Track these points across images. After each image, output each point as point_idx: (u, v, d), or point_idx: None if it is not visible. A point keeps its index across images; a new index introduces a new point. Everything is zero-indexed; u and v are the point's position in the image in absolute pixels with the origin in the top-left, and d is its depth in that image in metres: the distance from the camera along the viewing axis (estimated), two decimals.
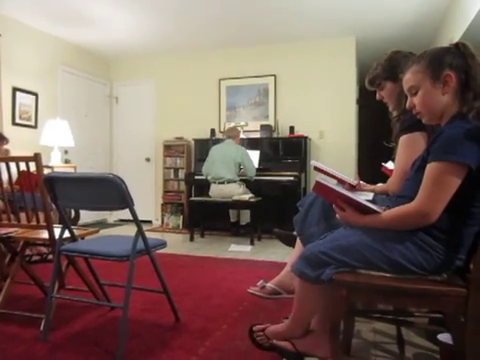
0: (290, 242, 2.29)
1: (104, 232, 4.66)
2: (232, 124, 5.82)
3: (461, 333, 1.24)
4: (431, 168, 1.24)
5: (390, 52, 1.92)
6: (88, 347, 1.86)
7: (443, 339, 1.60)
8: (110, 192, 1.82)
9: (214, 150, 4.90)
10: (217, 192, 4.73)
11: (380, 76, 1.91)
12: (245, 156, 4.76)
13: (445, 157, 1.21)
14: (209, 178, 4.82)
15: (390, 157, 2.00)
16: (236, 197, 4.60)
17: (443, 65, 1.31)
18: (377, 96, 1.98)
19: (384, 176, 2.32)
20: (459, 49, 1.34)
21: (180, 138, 6.09)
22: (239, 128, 5.40)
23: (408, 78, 1.40)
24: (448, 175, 1.21)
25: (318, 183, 1.37)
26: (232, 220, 5.29)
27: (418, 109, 1.39)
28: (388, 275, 1.30)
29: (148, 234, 2.00)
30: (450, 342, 1.53)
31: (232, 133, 4.97)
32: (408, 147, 1.70)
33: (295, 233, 1.97)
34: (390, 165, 2.30)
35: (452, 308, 1.24)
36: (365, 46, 5.59)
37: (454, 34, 4.14)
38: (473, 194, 1.24)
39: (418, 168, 1.34)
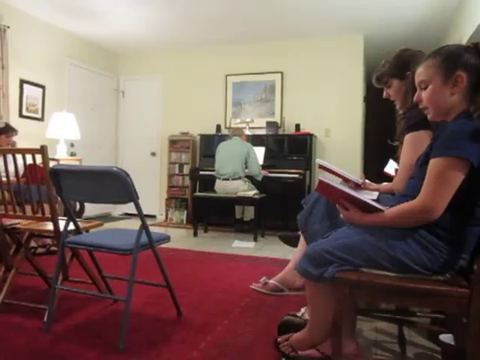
0: (295, 243, 2.30)
1: (108, 225, 4.68)
2: (238, 120, 5.83)
3: (463, 334, 1.23)
4: (434, 164, 1.24)
5: (399, 50, 1.90)
6: (90, 339, 1.87)
7: (445, 340, 1.60)
8: (115, 186, 1.83)
9: (221, 147, 4.92)
10: (221, 188, 4.74)
11: (387, 74, 1.90)
12: (251, 152, 4.75)
13: (448, 152, 1.21)
14: (215, 174, 4.83)
15: (395, 156, 1.99)
16: (240, 193, 4.61)
17: (457, 65, 1.29)
18: (384, 94, 1.97)
19: (389, 175, 2.31)
20: (477, 49, 1.31)
21: (186, 133, 6.10)
22: (244, 124, 5.42)
23: (420, 72, 1.38)
24: (451, 170, 1.20)
25: (321, 182, 1.37)
26: (237, 217, 5.29)
27: (425, 104, 1.38)
28: (391, 274, 1.30)
29: (152, 228, 2.01)
30: (452, 343, 1.52)
31: (238, 132, 5.01)
32: (413, 145, 1.69)
33: (299, 233, 1.97)
34: (389, 168, 2.29)
35: (454, 309, 1.23)
36: (373, 44, 5.55)
37: (463, 34, 4.10)
38: (477, 193, 1.24)
39: (421, 165, 1.33)
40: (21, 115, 4.90)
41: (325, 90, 5.58)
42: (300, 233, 1.96)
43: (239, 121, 5.83)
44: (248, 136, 5.38)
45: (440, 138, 1.25)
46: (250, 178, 4.84)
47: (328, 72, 5.58)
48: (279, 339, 1.69)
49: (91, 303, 2.32)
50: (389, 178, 2.34)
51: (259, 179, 4.86)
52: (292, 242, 2.46)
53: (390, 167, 2.29)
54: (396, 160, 1.93)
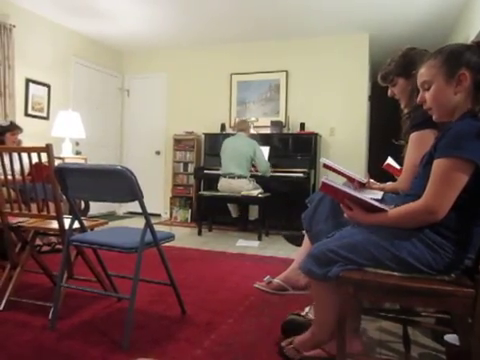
0: (298, 242, 2.29)
1: (113, 224, 4.70)
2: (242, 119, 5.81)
3: (468, 334, 1.23)
4: (438, 164, 1.23)
5: (405, 48, 1.90)
6: (95, 336, 1.88)
7: (449, 340, 1.59)
8: (120, 184, 1.84)
9: (225, 144, 4.89)
10: (226, 186, 4.72)
11: (393, 72, 1.89)
12: (257, 150, 4.72)
13: (452, 153, 1.20)
14: (220, 172, 4.82)
15: (400, 155, 1.98)
16: (245, 192, 4.60)
17: (460, 63, 1.29)
18: (389, 92, 1.96)
19: (388, 170, 2.30)
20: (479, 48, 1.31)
21: (190, 132, 6.10)
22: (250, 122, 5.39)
23: (422, 72, 1.38)
24: (455, 171, 1.19)
25: (324, 184, 1.36)
26: (234, 216, 5.27)
27: (429, 105, 1.37)
28: (396, 274, 1.29)
29: (156, 227, 2.01)
30: (456, 343, 1.52)
31: (243, 126, 4.93)
32: (418, 144, 1.68)
33: (303, 232, 1.96)
34: (392, 161, 2.28)
35: (459, 309, 1.23)
36: (378, 43, 5.52)
37: (470, 32, 4.07)
38: None
39: (425, 165, 1.32)
40: (27, 114, 4.93)
41: (330, 89, 5.57)
42: (304, 232, 1.96)
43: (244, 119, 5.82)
44: (253, 135, 5.37)
45: (444, 138, 1.24)
46: (254, 177, 4.83)
47: (333, 71, 5.56)
48: (282, 343, 1.67)
49: (96, 301, 2.33)
50: (390, 175, 2.32)
51: (268, 175, 4.85)
52: (297, 241, 2.47)
53: (390, 161, 2.28)
54: (401, 160, 1.92)
